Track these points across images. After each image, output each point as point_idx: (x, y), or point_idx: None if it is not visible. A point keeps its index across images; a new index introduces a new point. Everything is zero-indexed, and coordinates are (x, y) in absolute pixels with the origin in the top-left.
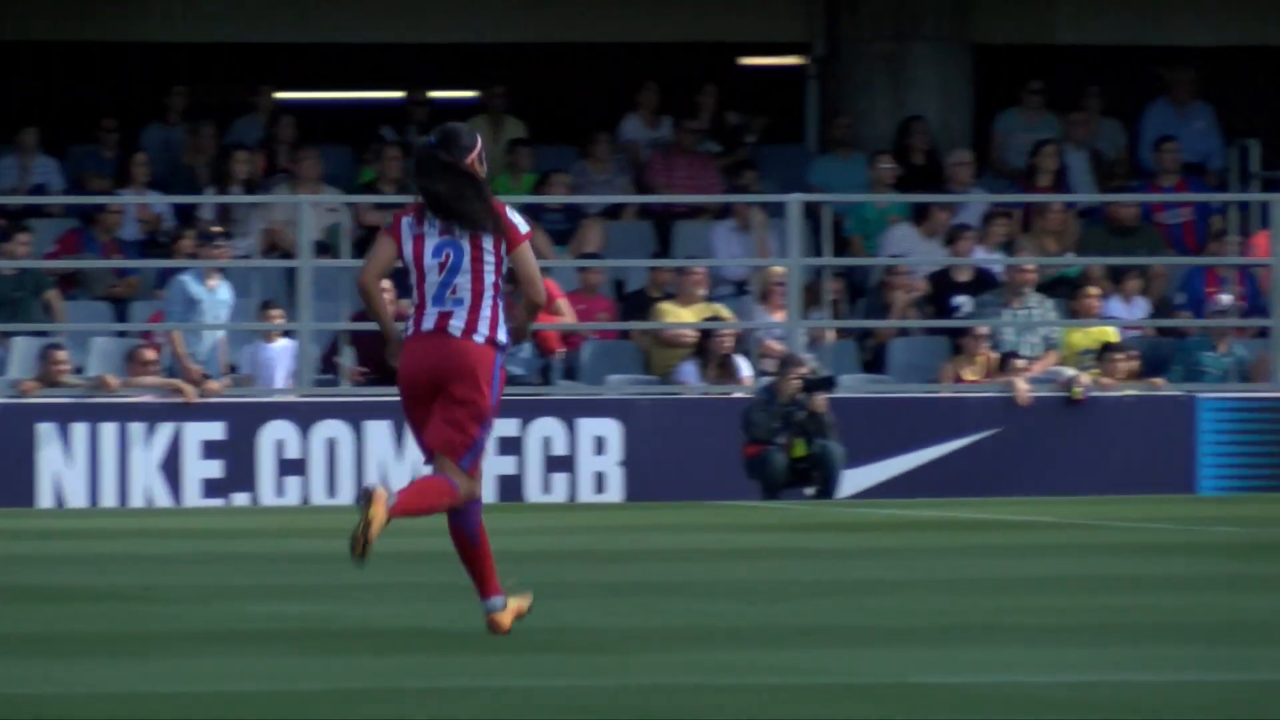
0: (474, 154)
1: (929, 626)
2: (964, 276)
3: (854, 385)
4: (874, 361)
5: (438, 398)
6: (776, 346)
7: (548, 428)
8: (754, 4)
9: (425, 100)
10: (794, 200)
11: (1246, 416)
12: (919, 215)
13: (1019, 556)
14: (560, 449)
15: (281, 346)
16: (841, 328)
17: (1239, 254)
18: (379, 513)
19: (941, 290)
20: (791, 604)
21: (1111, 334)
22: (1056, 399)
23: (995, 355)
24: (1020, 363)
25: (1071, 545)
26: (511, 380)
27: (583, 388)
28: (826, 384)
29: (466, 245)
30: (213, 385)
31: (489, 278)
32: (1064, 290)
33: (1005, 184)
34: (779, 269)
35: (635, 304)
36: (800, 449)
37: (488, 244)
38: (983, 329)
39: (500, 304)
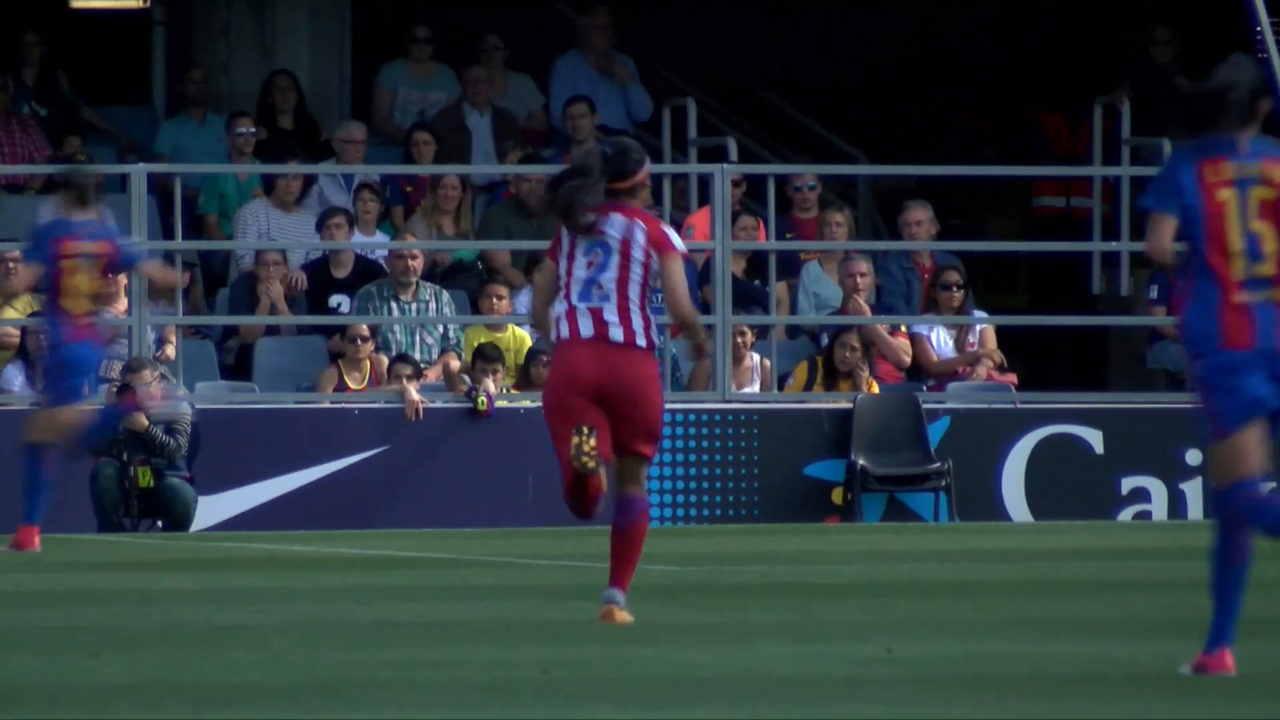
0: (644, 170)
1: (311, 683)
2: (343, 270)
3: (212, 394)
4: (238, 366)
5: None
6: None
7: None
8: None
9: None
10: (138, 171)
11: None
12: (275, 188)
13: (408, 600)
14: None
15: None
16: (196, 325)
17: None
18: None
19: (319, 282)
20: (138, 653)
21: (525, 335)
22: (457, 410)
23: (382, 359)
24: (408, 369)
25: (469, 588)
26: None
27: None
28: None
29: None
30: None
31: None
32: (465, 280)
33: (392, 151)
34: None
35: None
36: (146, 477)
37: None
38: (364, 328)
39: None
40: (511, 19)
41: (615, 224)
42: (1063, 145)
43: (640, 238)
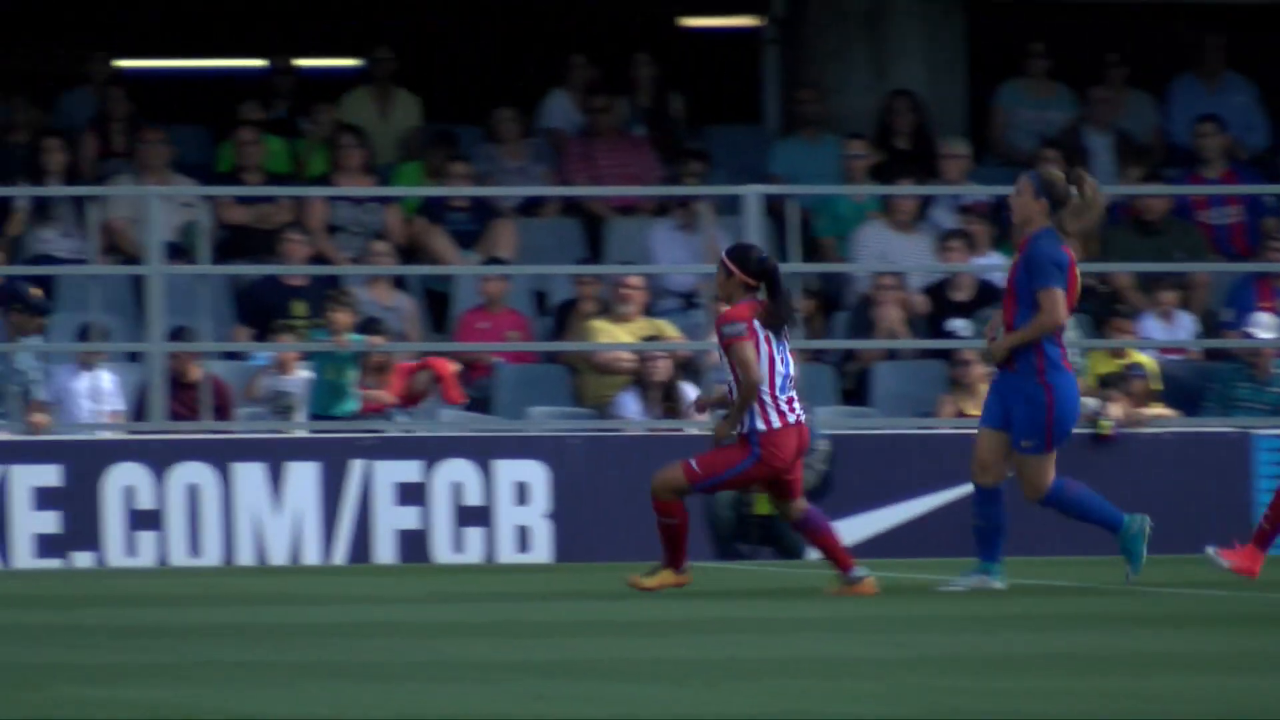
0: None
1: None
2: (962, 292)
3: (832, 419)
4: (856, 390)
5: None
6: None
7: (459, 471)
8: None
9: (292, 70)
10: (751, 193)
11: None
12: (893, 209)
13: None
14: (474, 498)
15: (98, 374)
16: (815, 348)
17: None
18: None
19: (937, 306)
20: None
21: (1144, 358)
22: (1080, 435)
23: None
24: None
25: (1103, 616)
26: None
27: (500, 422)
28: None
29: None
30: (40, 418)
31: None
32: (1089, 304)
33: (1007, 172)
34: None
35: (562, 320)
36: (765, 505)
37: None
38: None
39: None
40: (1130, 38)
41: None
42: None
43: None
